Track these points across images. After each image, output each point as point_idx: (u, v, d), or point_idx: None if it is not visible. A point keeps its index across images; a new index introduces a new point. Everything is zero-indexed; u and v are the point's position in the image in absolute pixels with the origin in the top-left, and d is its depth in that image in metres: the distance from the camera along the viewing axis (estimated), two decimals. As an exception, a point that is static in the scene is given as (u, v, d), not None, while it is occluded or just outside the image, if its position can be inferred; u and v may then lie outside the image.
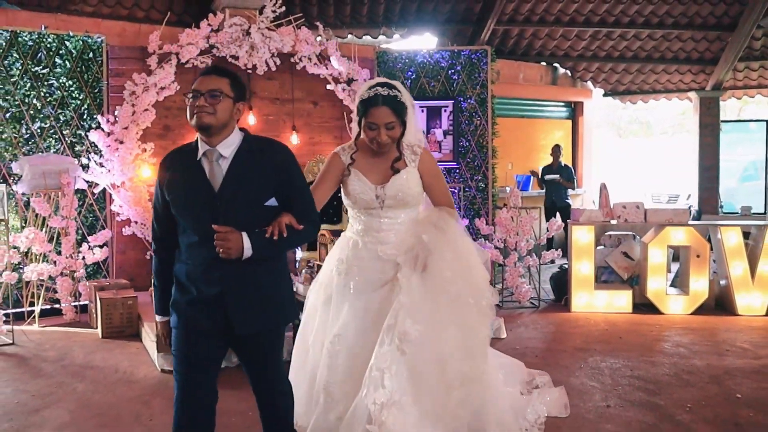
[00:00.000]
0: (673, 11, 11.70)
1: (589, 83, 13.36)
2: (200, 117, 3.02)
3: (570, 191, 11.67)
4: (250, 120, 8.63)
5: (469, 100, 9.11)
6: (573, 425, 4.39)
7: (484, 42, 11.21)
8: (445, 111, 9.12)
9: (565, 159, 12.10)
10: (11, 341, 6.50)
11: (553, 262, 8.76)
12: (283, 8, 8.37)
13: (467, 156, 9.12)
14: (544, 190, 11.82)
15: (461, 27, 11.59)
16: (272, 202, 3.11)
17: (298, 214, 3.15)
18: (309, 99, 9.19)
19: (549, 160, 11.89)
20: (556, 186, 11.49)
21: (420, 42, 11.93)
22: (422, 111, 9.12)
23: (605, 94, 13.80)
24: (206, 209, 3.00)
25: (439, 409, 3.52)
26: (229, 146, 3.09)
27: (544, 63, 12.77)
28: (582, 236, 7.79)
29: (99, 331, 6.85)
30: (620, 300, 7.75)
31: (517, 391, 4.53)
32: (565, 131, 13.81)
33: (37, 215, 7.35)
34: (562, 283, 8.24)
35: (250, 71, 8.22)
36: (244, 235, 2.98)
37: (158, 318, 3.29)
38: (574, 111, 13.86)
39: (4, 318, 6.58)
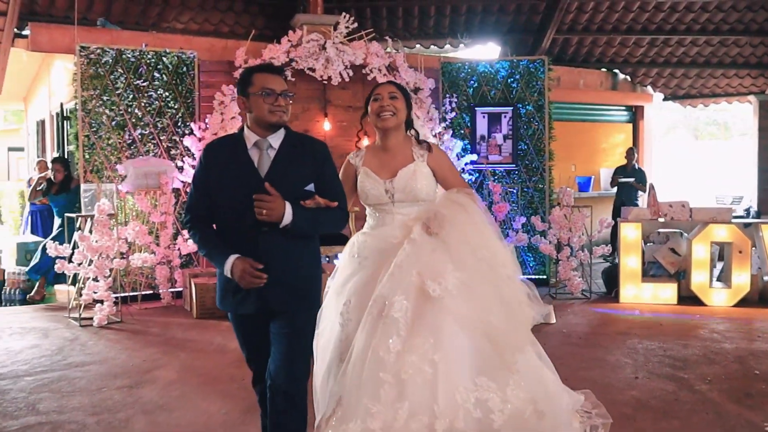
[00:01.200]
0: (729, 18, 12.12)
1: (649, 88, 13.85)
2: (281, 116, 3.33)
3: (639, 193, 12.12)
4: (326, 126, 9.47)
5: (527, 107, 9.78)
6: (601, 391, 5.06)
7: (544, 51, 11.85)
8: (504, 117, 9.80)
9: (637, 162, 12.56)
10: (119, 319, 7.52)
11: (606, 256, 9.37)
12: (356, 24, 9.21)
13: (525, 158, 9.79)
14: (615, 190, 12.29)
15: (523, 37, 12.29)
16: (310, 187, 3.34)
17: (331, 199, 3.38)
18: (379, 106, 9.98)
19: (611, 162, 12.42)
20: (628, 188, 11.98)
21: (484, 51, 12.68)
22: (483, 117, 9.83)
23: (665, 98, 14.26)
24: (252, 192, 3.21)
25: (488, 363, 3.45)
26: (278, 138, 3.38)
27: (604, 69, 13.33)
28: (630, 233, 8.41)
29: (193, 312, 7.80)
30: (666, 292, 8.34)
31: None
32: (626, 134, 14.30)
33: (140, 211, 8.40)
34: (612, 277, 8.85)
35: (325, 82, 9.08)
36: (288, 203, 3.20)
37: (228, 262, 3.26)
38: (635, 114, 14.33)
39: (114, 299, 7.59)
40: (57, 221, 9.06)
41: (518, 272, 3.72)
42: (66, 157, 10.19)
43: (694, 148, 27.30)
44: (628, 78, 13.60)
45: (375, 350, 3.37)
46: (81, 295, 7.55)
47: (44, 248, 8.44)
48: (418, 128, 4.00)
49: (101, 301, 7.51)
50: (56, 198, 9.22)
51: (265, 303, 3.31)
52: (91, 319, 7.40)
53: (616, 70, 13.44)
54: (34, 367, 5.87)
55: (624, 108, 14.22)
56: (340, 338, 3.63)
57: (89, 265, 7.51)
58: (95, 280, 7.51)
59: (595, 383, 5.22)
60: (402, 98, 3.80)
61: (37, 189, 9.62)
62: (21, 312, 8.20)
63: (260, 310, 3.34)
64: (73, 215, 7.87)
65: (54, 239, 8.48)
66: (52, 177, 9.25)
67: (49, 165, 9.62)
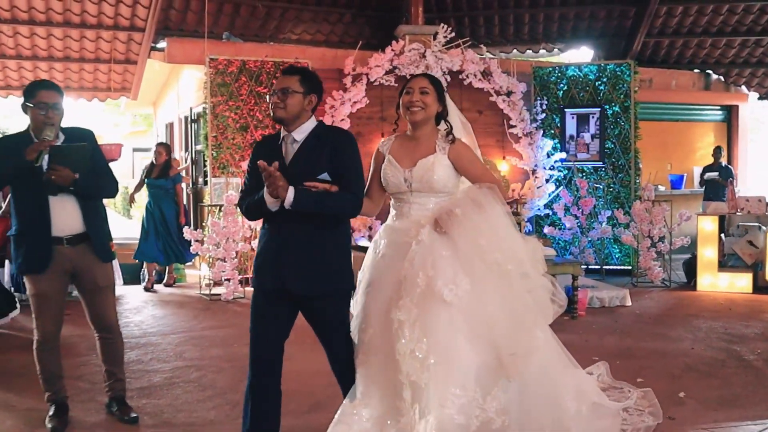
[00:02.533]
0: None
1: (744, 87, 14.15)
2: (274, 111, 3.61)
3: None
4: (425, 127, 10.38)
5: (614, 108, 10.43)
6: (656, 358, 5.82)
7: (635, 54, 12.43)
8: (592, 117, 10.48)
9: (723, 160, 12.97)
10: (243, 296, 8.73)
11: (684, 247, 9.94)
12: (453, 33, 10.11)
13: (612, 156, 10.44)
14: (703, 188, 12.73)
15: (615, 41, 12.88)
16: (324, 176, 3.54)
17: (343, 186, 3.56)
18: (475, 108, 10.79)
19: (706, 161, 12.84)
20: (715, 184, 12.41)
21: (577, 55, 13.34)
22: (573, 117, 10.55)
23: (760, 98, 14.52)
24: (276, 193, 3.45)
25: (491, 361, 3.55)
26: (302, 132, 3.62)
27: (696, 70, 13.74)
28: (707, 225, 9.01)
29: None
30: (741, 281, 8.89)
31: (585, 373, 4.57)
32: (721, 133, 14.63)
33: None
34: (692, 267, 9.43)
35: (425, 87, 10.01)
36: (291, 187, 3.43)
37: (270, 201, 3.49)
38: (730, 114, 14.63)
39: (239, 279, 8.76)
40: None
41: (540, 268, 3.76)
42: (194, 156, 11.48)
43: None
44: (722, 78, 13.95)
45: (390, 352, 3.54)
46: (210, 274, 8.77)
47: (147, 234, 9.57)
48: (458, 121, 4.01)
49: (228, 279, 8.68)
50: (154, 182, 9.75)
51: (282, 282, 3.55)
52: (219, 295, 8.60)
53: (709, 71, 13.82)
54: (176, 328, 7.09)
55: (719, 107, 14.53)
56: (361, 328, 3.79)
57: (218, 247, 8.69)
58: (223, 261, 8.69)
59: (653, 351, 6.00)
60: (433, 93, 3.83)
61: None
62: (158, 290, 9.48)
63: (277, 286, 3.57)
64: (206, 204, 9.08)
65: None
66: (154, 160, 9.96)
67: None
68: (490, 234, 3.63)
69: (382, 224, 4.05)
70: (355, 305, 3.89)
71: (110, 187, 4.51)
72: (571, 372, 4.08)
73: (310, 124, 3.66)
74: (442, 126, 3.88)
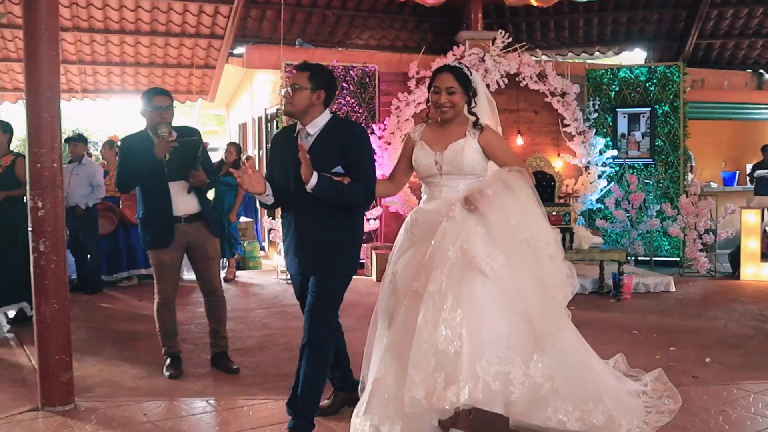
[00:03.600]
0: None
1: (798, 86, 14.54)
2: (284, 106, 3.90)
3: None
4: (483, 126, 11.09)
5: (663, 107, 10.98)
6: (690, 333, 6.45)
7: (688, 55, 12.96)
8: (643, 117, 11.05)
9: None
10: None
11: (730, 240, 10.45)
12: (511, 38, 10.80)
13: (662, 154, 11.00)
14: (753, 185, 13.15)
15: (667, 43, 13.44)
16: (338, 169, 3.76)
17: (355, 178, 3.77)
18: (531, 109, 11.44)
19: (759, 158, 13.25)
20: (765, 181, 12.81)
21: (631, 57, 13.89)
22: (624, 117, 11.13)
23: (814, 96, 14.85)
24: (293, 170, 3.74)
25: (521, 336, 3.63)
26: (315, 126, 3.84)
27: (749, 70, 14.17)
28: (750, 218, 9.55)
29: (374, 276, 9.69)
30: (783, 271, 9.43)
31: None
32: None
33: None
34: (736, 258, 9.95)
35: (483, 89, 10.73)
36: (316, 173, 3.65)
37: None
38: (783, 112, 14.99)
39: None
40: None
41: (560, 254, 3.87)
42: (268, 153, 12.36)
43: None
44: (774, 78, 14.38)
45: (416, 322, 3.59)
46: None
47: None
48: (484, 99, 4.11)
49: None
50: (222, 179, 9.89)
51: (298, 265, 3.96)
52: (294, 279, 9.47)
53: (762, 71, 14.22)
54: (260, 305, 8.04)
55: (772, 106, 14.92)
56: (388, 306, 3.96)
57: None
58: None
59: (688, 327, 6.67)
60: (459, 90, 3.93)
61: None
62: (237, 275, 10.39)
63: (298, 270, 3.99)
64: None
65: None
66: (224, 158, 10.56)
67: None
68: (520, 214, 3.77)
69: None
70: (384, 281, 4.07)
71: (213, 181, 5.39)
72: (593, 356, 4.20)
73: (323, 119, 3.86)
74: (470, 116, 4.03)
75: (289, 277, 9.39)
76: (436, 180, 3.98)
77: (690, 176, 11.13)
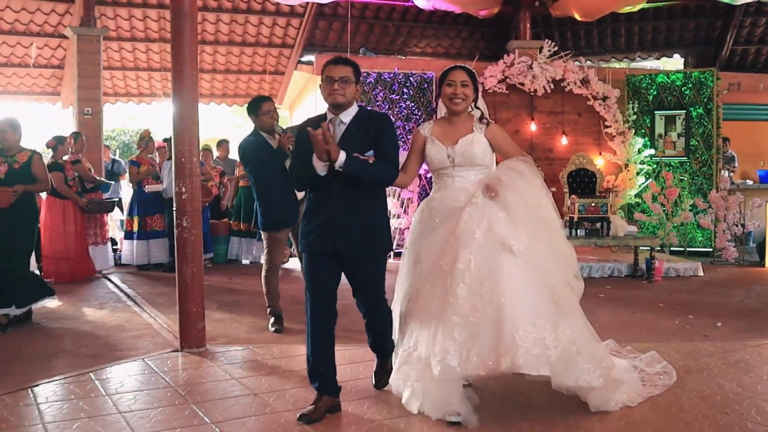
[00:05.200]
0: None
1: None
2: (335, 97, 3.99)
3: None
4: (532, 127, 12.12)
5: (698, 110, 11.91)
6: (707, 307, 7.46)
7: (724, 60, 13.89)
8: (678, 118, 12.00)
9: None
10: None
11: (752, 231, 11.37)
12: (556, 47, 11.84)
13: (696, 153, 11.95)
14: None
15: (704, 49, 14.38)
16: (370, 153, 3.98)
17: (383, 158, 4.03)
18: (574, 112, 12.42)
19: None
20: None
21: (670, 62, 14.83)
22: (661, 119, 12.10)
23: None
24: (326, 157, 3.87)
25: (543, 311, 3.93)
26: (348, 115, 4.08)
27: (784, 74, 15.02)
28: (774, 211, 10.52)
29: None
30: (806, 260, 10.36)
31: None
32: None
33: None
34: (764, 249, 10.88)
35: (532, 93, 11.79)
36: (343, 151, 3.84)
37: (319, 166, 3.93)
38: (819, 114, 15.75)
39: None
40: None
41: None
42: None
43: None
44: (809, 81, 15.16)
45: (445, 297, 3.91)
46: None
47: None
48: (484, 110, 4.56)
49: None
50: None
51: (334, 245, 4.03)
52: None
53: (796, 74, 15.05)
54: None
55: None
56: (411, 284, 4.24)
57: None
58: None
59: (708, 302, 7.71)
60: (471, 85, 4.27)
61: None
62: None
63: (330, 250, 4.04)
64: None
65: None
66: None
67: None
68: (533, 195, 4.15)
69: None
70: (403, 263, 4.41)
71: None
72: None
73: (353, 109, 4.13)
74: (476, 113, 4.38)
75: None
76: (448, 171, 4.30)
77: (724, 173, 12.01)
